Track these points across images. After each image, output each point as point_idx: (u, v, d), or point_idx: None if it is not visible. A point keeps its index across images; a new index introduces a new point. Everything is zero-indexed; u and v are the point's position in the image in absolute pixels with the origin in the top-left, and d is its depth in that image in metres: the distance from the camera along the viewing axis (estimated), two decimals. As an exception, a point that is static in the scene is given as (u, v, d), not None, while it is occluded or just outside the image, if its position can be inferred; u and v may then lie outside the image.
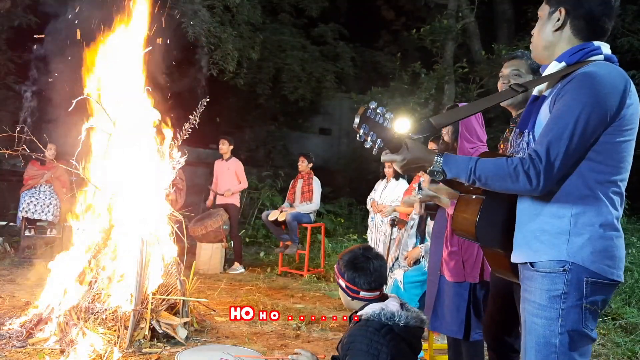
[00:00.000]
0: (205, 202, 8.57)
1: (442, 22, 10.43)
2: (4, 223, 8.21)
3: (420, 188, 2.87)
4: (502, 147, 2.48)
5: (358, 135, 1.64)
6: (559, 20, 1.71)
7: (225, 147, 7.07)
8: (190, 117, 4.53)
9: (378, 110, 1.63)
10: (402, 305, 2.05)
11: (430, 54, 11.06)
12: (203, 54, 9.05)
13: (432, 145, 3.76)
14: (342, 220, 10.88)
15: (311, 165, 7.23)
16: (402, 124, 1.69)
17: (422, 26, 10.57)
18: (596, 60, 1.66)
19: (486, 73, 10.59)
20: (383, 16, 14.68)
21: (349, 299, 2.11)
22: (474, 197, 1.90)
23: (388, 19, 14.56)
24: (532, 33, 1.84)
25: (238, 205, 7.25)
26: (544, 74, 1.76)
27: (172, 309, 4.05)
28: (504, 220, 1.80)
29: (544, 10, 1.78)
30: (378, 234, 6.10)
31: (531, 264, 1.65)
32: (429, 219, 3.80)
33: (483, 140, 2.93)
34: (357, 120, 1.62)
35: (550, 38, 1.74)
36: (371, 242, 6.18)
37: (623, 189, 1.65)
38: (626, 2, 10.54)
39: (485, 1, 11.20)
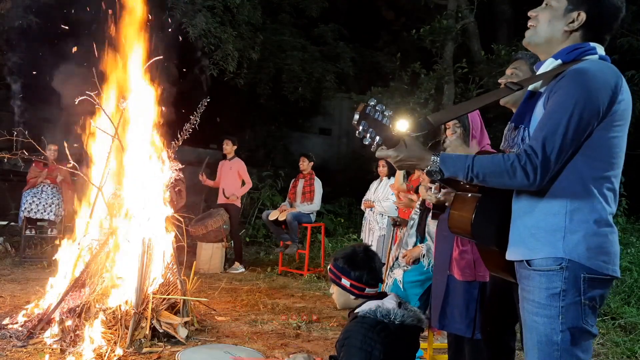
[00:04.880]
0: (205, 202, 8.57)
1: (441, 23, 10.41)
2: (5, 223, 8.22)
3: (439, 189, 2.89)
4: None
5: (357, 132, 1.65)
6: (574, 22, 1.71)
7: (229, 147, 7.14)
8: (191, 117, 4.53)
9: (377, 108, 1.65)
10: (399, 303, 2.06)
11: (430, 54, 11.05)
12: (203, 55, 9.06)
13: None
14: (342, 220, 10.91)
15: (312, 165, 7.26)
16: (402, 123, 1.70)
17: (421, 26, 10.55)
18: (591, 59, 1.68)
19: (486, 73, 10.57)
20: (383, 16, 14.66)
21: (352, 297, 2.12)
22: (470, 195, 1.91)
23: (388, 19, 14.53)
24: (530, 15, 1.80)
25: (239, 205, 7.26)
26: (539, 72, 1.77)
27: (173, 308, 4.06)
28: (500, 217, 1.81)
29: (560, 1, 1.74)
30: (370, 232, 6.17)
31: (527, 262, 1.65)
32: (429, 218, 3.80)
33: (486, 143, 2.93)
34: (356, 116, 1.63)
35: (558, 35, 1.74)
36: (364, 242, 6.24)
37: (616, 186, 1.66)
38: (626, 2, 10.52)
39: (485, 1, 11.18)
